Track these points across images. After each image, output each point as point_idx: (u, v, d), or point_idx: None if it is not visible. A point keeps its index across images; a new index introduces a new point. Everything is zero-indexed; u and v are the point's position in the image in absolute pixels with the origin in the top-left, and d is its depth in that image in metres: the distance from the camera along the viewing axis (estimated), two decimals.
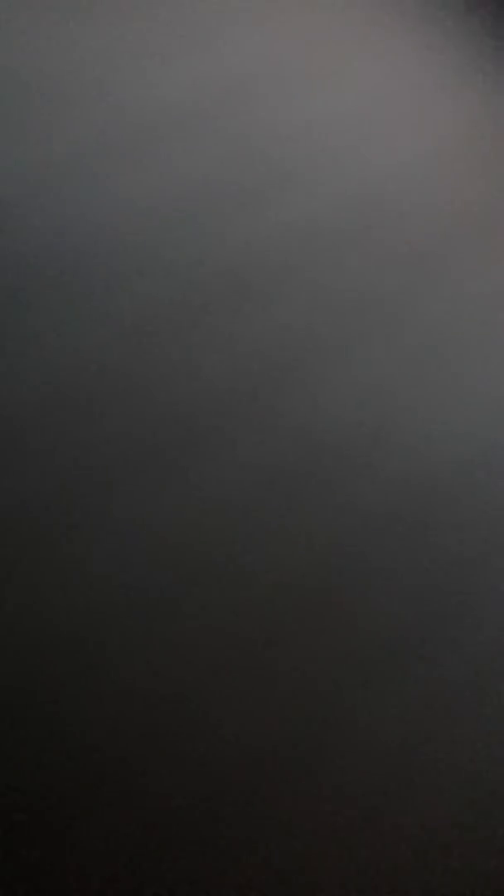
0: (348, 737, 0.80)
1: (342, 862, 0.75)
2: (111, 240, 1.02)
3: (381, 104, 1.17)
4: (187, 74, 1.13)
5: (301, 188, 1.09)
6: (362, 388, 0.97)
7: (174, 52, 1.14)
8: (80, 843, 0.73)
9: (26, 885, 0.71)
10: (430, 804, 0.78)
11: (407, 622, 0.86)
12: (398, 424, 0.95)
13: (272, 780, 0.77)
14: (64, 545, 0.85)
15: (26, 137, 1.04)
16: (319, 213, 1.07)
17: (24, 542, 0.85)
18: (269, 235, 1.05)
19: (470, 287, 1.07)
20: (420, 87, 1.20)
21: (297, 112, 1.14)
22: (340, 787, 0.78)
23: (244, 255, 1.04)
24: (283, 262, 1.04)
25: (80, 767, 0.76)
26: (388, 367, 1.00)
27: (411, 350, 1.01)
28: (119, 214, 1.04)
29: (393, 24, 1.23)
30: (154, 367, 0.95)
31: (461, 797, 0.79)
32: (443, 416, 0.97)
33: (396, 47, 1.21)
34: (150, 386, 0.94)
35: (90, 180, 1.05)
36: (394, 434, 0.95)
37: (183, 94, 1.11)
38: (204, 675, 0.81)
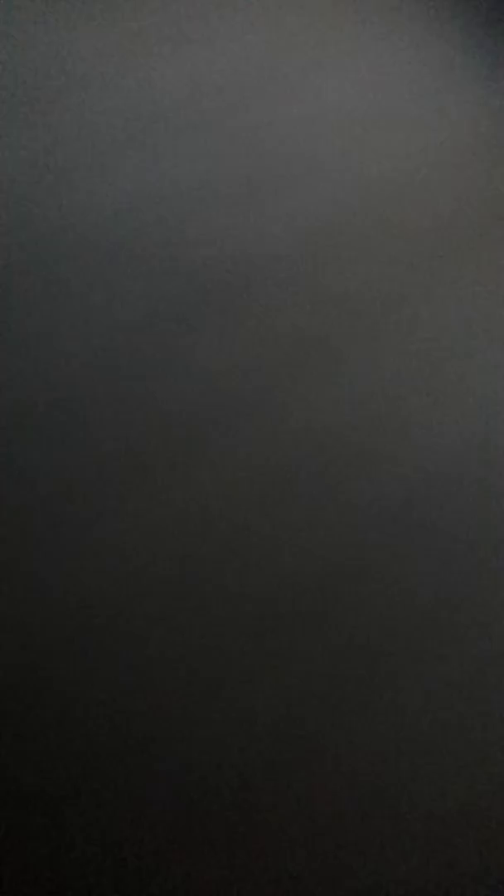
0: (348, 731, 0.80)
1: (341, 858, 0.75)
2: (109, 238, 1.02)
3: (381, 102, 1.17)
4: (186, 71, 1.13)
5: (301, 185, 1.09)
6: (363, 388, 0.97)
7: (173, 49, 1.13)
8: (79, 834, 0.73)
9: (25, 881, 0.70)
10: (430, 801, 0.78)
11: (407, 617, 0.86)
12: (398, 423, 0.95)
13: (271, 778, 0.77)
14: (64, 542, 0.85)
15: (20, 137, 1.04)
16: (319, 210, 1.07)
17: (24, 539, 0.85)
18: (269, 232, 1.05)
19: (470, 286, 1.06)
20: (420, 85, 1.20)
21: (296, 110, 1.14)
22: (339, 786, 0.78)
23: (243, 253, 1.04)
24: (283, 260, 1.04)
25: (81, 755, 0.76)
26: (388, 366, 1.00)
27: (411, 350, 1.01)
28: (116, 212, 1.03)
29: (392, 23, 1.23)
30: (154, 365, 0.95)
31: (461, 794, 0.79)
32: (442, 416, 0.97)
33: (397, 46, 1.21)
34: (149, 385, 0.94)
35: (88, 177, 1.05)
36: (394, 433, 0.95)
37: (182, 91, 1.11)
38: (206, 669, 0.81)
